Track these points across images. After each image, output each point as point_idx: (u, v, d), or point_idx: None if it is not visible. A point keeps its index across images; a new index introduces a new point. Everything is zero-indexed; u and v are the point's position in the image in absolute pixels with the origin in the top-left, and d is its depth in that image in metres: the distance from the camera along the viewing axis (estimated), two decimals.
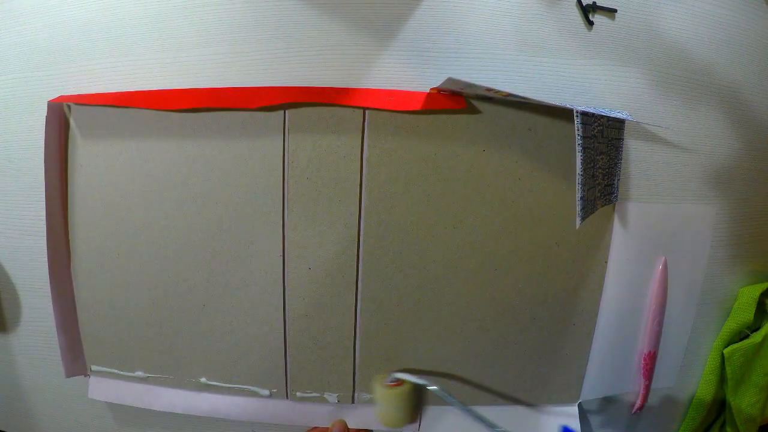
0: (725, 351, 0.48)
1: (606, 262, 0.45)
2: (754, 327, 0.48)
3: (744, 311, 0.48)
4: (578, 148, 0.37)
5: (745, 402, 0.49)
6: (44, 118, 0.41)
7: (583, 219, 0.39)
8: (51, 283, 0.43)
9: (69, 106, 0.42)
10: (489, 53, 0.41)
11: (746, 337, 0.48)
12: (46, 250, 0.43)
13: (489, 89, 0.37)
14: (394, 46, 0.40)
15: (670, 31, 0.43)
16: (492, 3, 0.41)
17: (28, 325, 0.46)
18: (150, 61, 0.41)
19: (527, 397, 0.48)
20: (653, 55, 0.43)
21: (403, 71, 0.41)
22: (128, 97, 0.41)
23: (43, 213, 0.42)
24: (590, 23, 0.42)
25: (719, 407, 0.52)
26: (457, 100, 0.40)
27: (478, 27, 0.41)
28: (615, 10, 0.41)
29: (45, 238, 0.42)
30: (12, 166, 0.43)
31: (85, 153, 0.43)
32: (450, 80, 0.36)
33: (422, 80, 0.41)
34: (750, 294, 0.48)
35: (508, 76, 0.41)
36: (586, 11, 0.41)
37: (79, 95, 0.41)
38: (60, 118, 0.42)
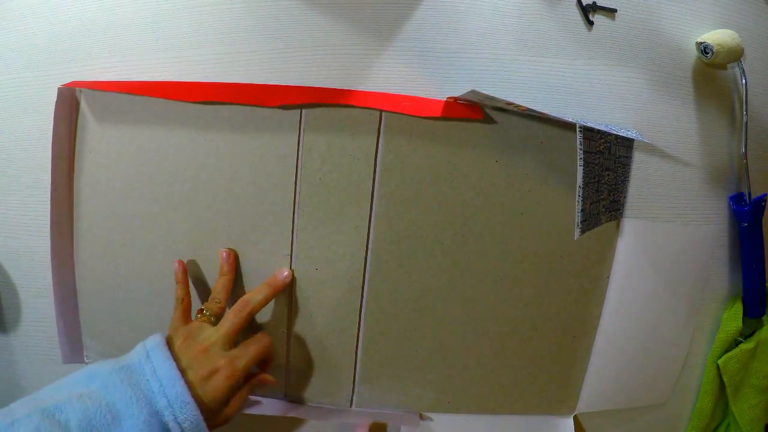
0: (719, 361, 0.48)
1: (608, 277, 0.45)
2: (747, 333, 0.48)
3: (733, 320, 0.48)
4: (579, 162, 0.38)
5: (746, 405, 0.49)
6: (43, 117, 0.41)
7: (582, 231, 0.40)
8: (53, 266, 0.43)
9: (81, 92, 0.42)
10: (489, 53, 0.41)
11: (740, 344, 0.48)
12: (49, 236, 0.42)
13: (509, 103, 0.37)
14: (394, 46, 0.40)
15: (670, 31, 0.43)
16: (492, 3, 0.41)
17: (28, 325, 0.46)
18: (150, 61, 0.41)
19: (524, 407, 0.48)
20: (653, 55, 0.43)
21: (403, 71, 0.41)
22: (144, 86, 0.40)
23: (43, 212, 0.42)
24: (590, 23, 0.42)
25: (723, 411, 0.52)
26: (474, 110, 0.41)
27: (478, 27, 0.41)
28: (615, 10, 0.41)
29: (48, 230, 0.42)
30: (11, 165, 0.43)
31: (95, 139, 0.42)
32: (472, 92, 0.36)
33: (422, 80, 0.41)
34: (738, 301, 0.48)
35: (508, 76, 0.41)
36: (586, 11, 0.41)
37: (92, 82, 0.41)
38: (71, 103, 0.41)
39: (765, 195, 0.44)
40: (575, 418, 0.48)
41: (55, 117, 0.40)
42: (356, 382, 0.46)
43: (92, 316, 0.46)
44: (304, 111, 0.41)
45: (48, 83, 0.41)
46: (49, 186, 0.42)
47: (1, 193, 0.44)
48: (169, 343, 0.37)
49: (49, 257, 0.42)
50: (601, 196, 0.42)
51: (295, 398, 0.46)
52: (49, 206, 0.42)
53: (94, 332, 0.46)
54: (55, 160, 0.41)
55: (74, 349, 0.46)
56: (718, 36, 0.41)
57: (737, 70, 0.44)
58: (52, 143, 0.41)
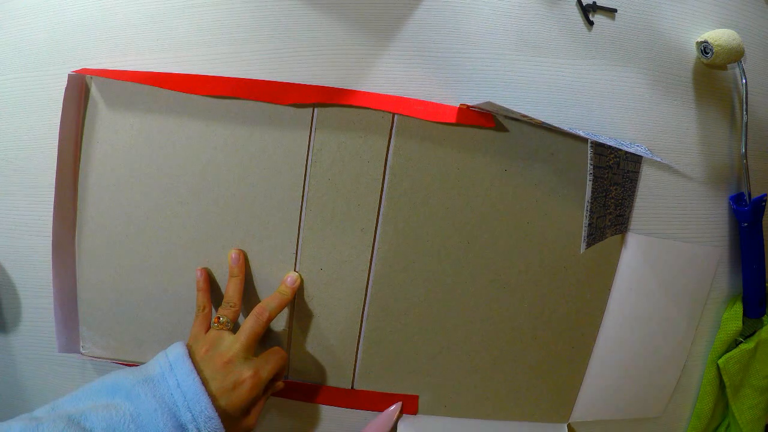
0: (720, 361, 0.48)
1: (609, 290, 0.45)
2: (747, 333, 0.48)
3: (733, 320, 0.48)
4: (589, 177, 0.39)
5: (746, 405, 0.49)
6: (43, 117, 0.41)
7: (588, 245, 0.41)
8: (53, 256, 0.42)
9: (92, 78, 0.41)
10: (489, 53, 0.41)
11: (740, 344, 0.48)
12: (51, 225, 0.42)
13: (524, 115, 0.38)
14: (394, 47, 0.40)
15: (670, 31, 0.43)
16: (492, 3, 0.41)
17: (28, 325, 0.46)
18: (150, 61, 0.41)
19: (519, 413, 0.48)
20: (653, 55, 0.43)
21: (403, 71, 0.41)
22: (156, 77, 0.40)
23: (44, 212, 0.42)
24: (590, 23, 0.42)
25: (723, 411, 0.52)
26: (486, 118, 0.41)
27: (478, 27, 0.41)
28: (615, 10, 0.41)
29: (49, 230, 0.42)
30: (11, 166, 0.43)
31: (105, 126, 0.42)
32: (488, 103, 0.37)
33: (423, 80, 0.41)
34: (738, 301, 0.48)
35: (509, 76, 0.41)
36: (586, 11, 0.41)
37: (103, 70, 0.41)
38: (80, 90, 0.41)
39: (765, 195, 0.44)
40: (569, 427, 0.49)
41: (64, 103, 0.40)
42: (355, 382, 0.46)
43: (91, 307, 0.45)
44: (316, 110, 0.40)
45: (48, 83, 0.41)
46: (49, 185, 0.41)
47: (2, 193, 0.44)
48: (190, 352, 0.37)
49: (49, 257, 0.42)
50: (608, 211, 0.42)
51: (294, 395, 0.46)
52: (49, 205, 0.42)
53: (92, 323, 0.45)
54: (62, 146, 0.41)
55: (71, 339, 0.45)
56: (718, 36, 0.41)
57: (737, 70, 0.44)
58: (60, 130, 0.40)
